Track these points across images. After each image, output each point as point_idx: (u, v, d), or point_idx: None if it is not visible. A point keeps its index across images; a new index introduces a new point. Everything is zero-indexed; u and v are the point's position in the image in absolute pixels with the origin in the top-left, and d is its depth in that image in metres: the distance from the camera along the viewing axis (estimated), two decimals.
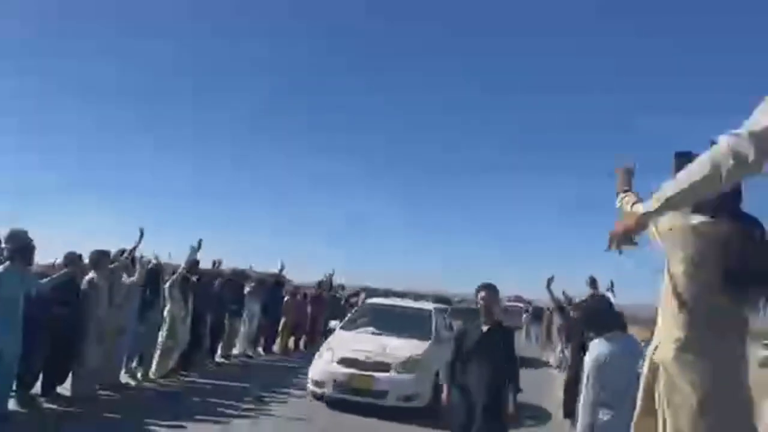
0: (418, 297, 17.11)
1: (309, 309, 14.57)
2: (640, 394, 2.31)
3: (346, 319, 10.10)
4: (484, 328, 4.84)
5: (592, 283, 8.24)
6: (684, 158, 2.34)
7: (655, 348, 2.25)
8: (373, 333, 8.95)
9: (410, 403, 7.68)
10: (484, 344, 4.76)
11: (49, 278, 6.46)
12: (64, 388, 6.94)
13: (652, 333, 2.35)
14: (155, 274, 8.62)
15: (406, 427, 7.22)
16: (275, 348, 13.39)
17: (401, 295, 18.84)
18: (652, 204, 2.09)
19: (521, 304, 22.40)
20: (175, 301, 8.88)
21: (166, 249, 9.32)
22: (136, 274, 8.14)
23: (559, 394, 8.35)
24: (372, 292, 16.25)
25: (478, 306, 4.99)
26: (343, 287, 14.57)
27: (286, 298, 13.69)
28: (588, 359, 3.28)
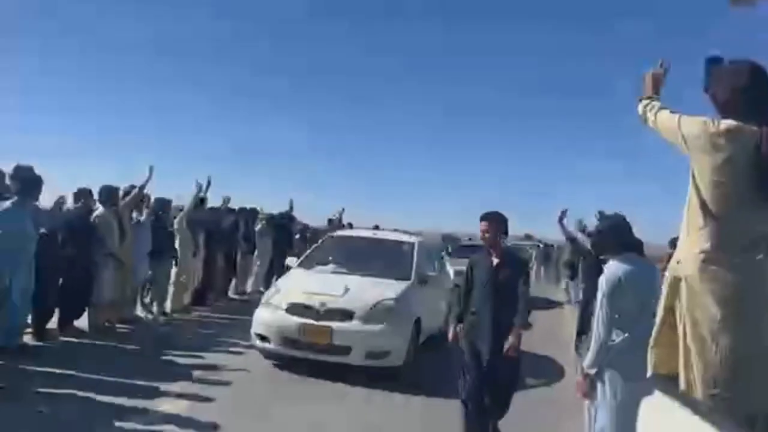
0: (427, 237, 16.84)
1: None
2: (659, 311, 2.24)
3: (305, 254, 8.06)
4: (494, 261, 4.53)
5: (602, 218, 8.12)
6: (715, 64, 2.23)
7: (677, 262, 2.16)
8: (334, 272, 7.12)
9: (380, 362, 6.02)
10: (494, 278, 4.46)
11: (62, 211, 6.43)
12: (81, 323, 7.06)
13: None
14: (164, 210, 8.65)
15: (379, 393, 5.71)
16: None
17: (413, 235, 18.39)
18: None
19: (530, 243, 22.22)
20: (184, 238, 8.92)
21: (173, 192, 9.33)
22: (145, 212, 8.17)
23: (572, 329, 8.34)
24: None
25: (481, 239, 4.67)
26: (351, 225, 14.49)
27: (297, 236, 13.73)
28: (602, 280, 3.20)
